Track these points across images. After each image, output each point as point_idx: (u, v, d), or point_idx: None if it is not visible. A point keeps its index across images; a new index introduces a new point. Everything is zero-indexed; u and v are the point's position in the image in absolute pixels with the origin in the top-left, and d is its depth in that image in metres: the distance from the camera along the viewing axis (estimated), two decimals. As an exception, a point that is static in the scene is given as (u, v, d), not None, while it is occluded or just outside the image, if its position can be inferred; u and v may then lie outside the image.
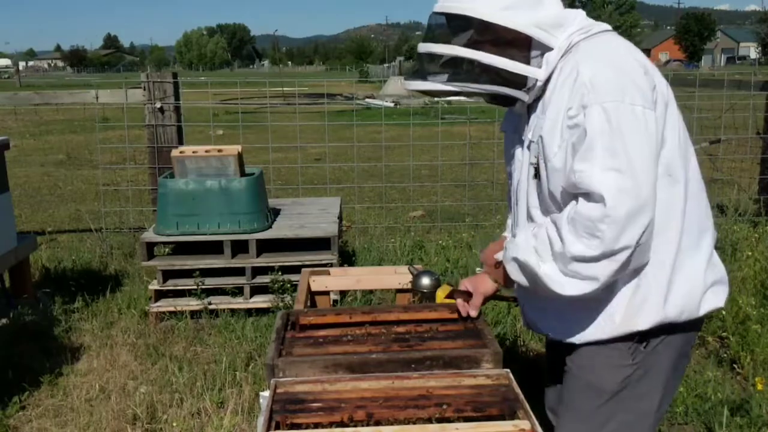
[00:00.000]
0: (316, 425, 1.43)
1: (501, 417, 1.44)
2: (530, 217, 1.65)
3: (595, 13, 65.71)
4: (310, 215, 4.64)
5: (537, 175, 1.59)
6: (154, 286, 4.15)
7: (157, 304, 4.13)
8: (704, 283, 1.60)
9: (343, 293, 4.03)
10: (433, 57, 1.58)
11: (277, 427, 1.42)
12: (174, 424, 2.90)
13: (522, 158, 1.67)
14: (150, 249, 4.18)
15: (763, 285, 3.77)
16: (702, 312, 1.61)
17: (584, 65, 1.48)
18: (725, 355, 3.47)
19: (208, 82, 9.87)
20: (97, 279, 4.74)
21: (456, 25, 1.55)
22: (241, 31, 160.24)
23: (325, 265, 3.86)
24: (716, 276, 1.65)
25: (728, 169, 6.75)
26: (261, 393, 2.41)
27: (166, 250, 4.41)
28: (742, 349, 3.35)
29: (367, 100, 21.73)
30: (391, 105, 19.12)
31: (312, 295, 2.62)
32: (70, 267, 4.96)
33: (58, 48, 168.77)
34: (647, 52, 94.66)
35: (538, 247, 1.52)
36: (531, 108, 1.62)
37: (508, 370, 1.60)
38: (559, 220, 1.48)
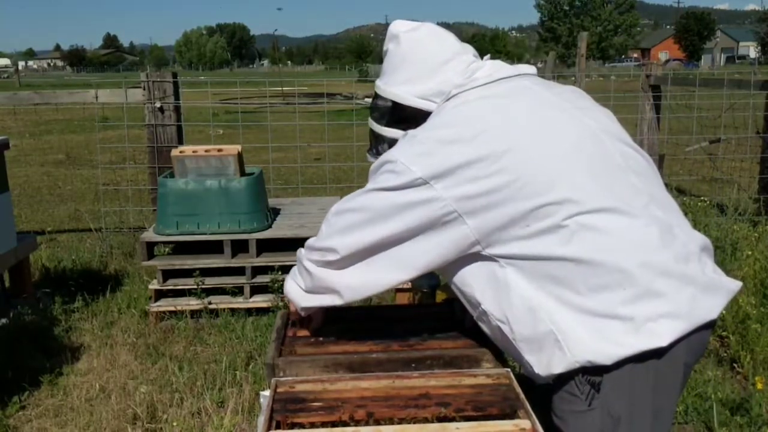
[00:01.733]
0: (317, 424, 1.43)
1: (501, 416, 1.44)
2: None
3: (594, 12, 65.68)
4: (310, 215, 4.64)
5: None
6: (154, 285, 4.15)
7: (157, 303, 4.14)
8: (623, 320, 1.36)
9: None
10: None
11: (278, 426, 1.42)
12: (174, 424, 2.90)
13: None
14: (150, 249, 4.18)
15: (763, 284, 3.77)
16: (640, 348, 1.36)
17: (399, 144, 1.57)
18: (725, 354, 3.48)
19: (207, 82, 9.87)
20: (97, 279, 4.74)
21: (378, 102, 1.76)
22: (240, 30, 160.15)
23: (325, 265, 3.86)
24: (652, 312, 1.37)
25: (728, 169, 6.76)
26: (261, 392, 2.41)
27: (166, 249, 4.41)
28: (742, 349, 3.36)
29: (366, 99, 21.71)
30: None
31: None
32: (70, 267, 4.96)
33: (57, 48, 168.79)
34: (647, 51, 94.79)
35: None
36: None
37: (509, 370, 1.60)
38: None
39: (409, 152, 1.47)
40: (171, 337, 3.87)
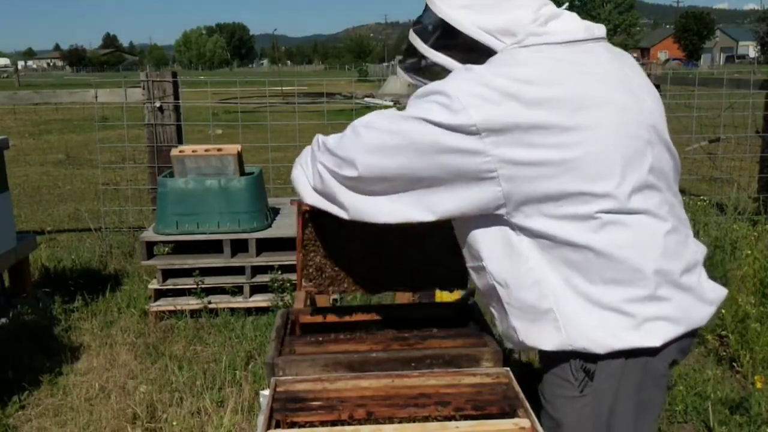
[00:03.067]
0: (317, 423, 1.43)
1: (501, 415, 1.44)
2: None
3: (594, 12, 65.62)
4: (309, 214, 4.63)
5: None
6: (154, 285, 4.15)
7: (157, 303, 4.13)
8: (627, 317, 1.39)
9: (342, 292, 4.02)
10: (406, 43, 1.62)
11: (278, 425, 1.42)
12: (174, 423, 2.90)
13: None
14: (149, 248, 4.18)
15: (762, 283, 3.77)
16: (620, 345, 1.39)
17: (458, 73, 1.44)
18: (724, 353, 3.48)
19: (207, 82, 9.86)
20: (97, 278, 4.74)
21: (426, 16, 1.53)
22: (240, 30, 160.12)
23: (324, 264, 3.86)
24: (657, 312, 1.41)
25: (727, 168, 6.76)
26: (261, 392, 2.41)
27: (166, 249, 4.41)
28: (742, 348, 3.36)
29: (366, 99, 21.75)
30: (390, 104, 19.12)
31: (312, 294, 2.62)
32: (70, 266, 4.96)
33: (57, 47, 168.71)
34: (646, 51, 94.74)
35: None
36: None
37: (508, 369, 1.60)
38: None
39: (470, 92, 1.34)
40: (171, 337, 3.87)
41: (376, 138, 1.42)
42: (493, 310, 1.56)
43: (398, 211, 1.46)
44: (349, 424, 1.41)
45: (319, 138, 1.56)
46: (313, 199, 1.57)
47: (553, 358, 1.46)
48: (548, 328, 1.42)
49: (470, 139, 1.33)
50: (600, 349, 1.39)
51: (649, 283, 1.38)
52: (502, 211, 1.41)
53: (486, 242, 1.46)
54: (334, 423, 1.42)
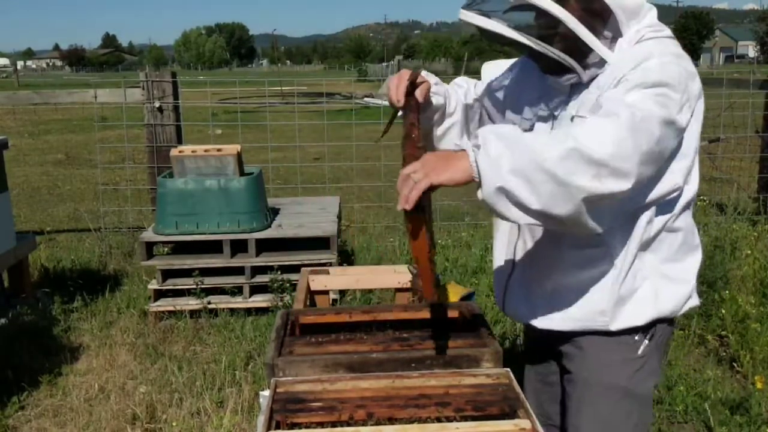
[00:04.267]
0: (317, 425, 1.42)
1: (501, 416, 1.44)
2: None
3: (593, 12, 65.40)
4: (309, 214, 4.63)
5: None
6: (154, 285, 4.15)
7: (157, 303, 4.13)
8: (692, 284, 1.67)
9: (342, 292, 4.02)
10: None
11: (278, 426, 1.42)
12: (173, 424, 2.90)
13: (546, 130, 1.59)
14: (149, 248, 4.18)
15: (762, 283, 3.77)
16: (685, 309, 1.67)
17: (654, 58, 1.43)
18: (725, 353, 3.48)
19: (206, 82, 9.86)
20: (96, 279, 4.74)
21: None
22: (239, 30, 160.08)
23: (324, 265, 3.86)
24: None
25: (727, 168, 6.76)
26: (261, 392, 2.41)
27: (166, 249, 4.41)
28: (742, 348, 3.36)
29: (365, 99, 21.72)
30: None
31: (311, 294, 2.62)
32: (69, 267, 4.95)
33: (56, 47, 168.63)
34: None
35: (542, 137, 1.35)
36: (576, 85, 1.54)
37: (509, 369, 1.60)
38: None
39: (683, 75, 1.43)
40: (170, 337, 3.87)
41: (646, 145, 1.32)
42: (573, 298, 1.61)
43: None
44: (350, 425, 1.41)
45: (578, 144, 1.26)
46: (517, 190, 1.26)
47: (614, 334, 1.61)
48: (640, 305, 1.59)
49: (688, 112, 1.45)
50: (670, 313, 1.62)
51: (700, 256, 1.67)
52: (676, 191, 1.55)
53: (618, 220, 1.52)
54: (334, 424, 1.41)
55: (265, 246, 4.22)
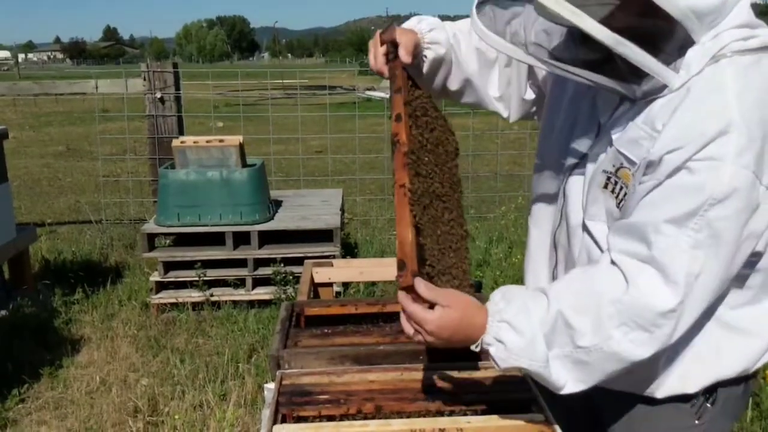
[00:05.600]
0: (324, 417, 1.39)
1: (513, 410, 1.40)
2: (586, 229, 1.30)
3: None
4: (311, 207, 4.60)
5: (608, 185, 1.23)
6: (155, 277, 4.11)
7: (159, 295, 4.10)
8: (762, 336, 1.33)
9: (345, 285, 4.00)
10: None
11: (283, 420, 1.38)
12: (176, 417, 2.87)
13: (591, 152, 1.28)
14: (151, 240, 4.14)
15: None
16: (759, 364, 1.35)
17: (726, 140, 1.06)
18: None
19: (208, 73, 9.82)
20: (98, 271, 4.71)
21: None
22: (240, 23, 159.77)
23: (327, 257, 3.82)
24: None
25: None
26: (266, 385, 2.37)
27: (167, 241, 4.38)
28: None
29: (367, 92, 21.66)
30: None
31: (315, 286, 2.58)
32: (70, 259, 4.92)
33: (57, 40, 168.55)
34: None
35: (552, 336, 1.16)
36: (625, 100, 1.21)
37: (520, 362, 1.56)
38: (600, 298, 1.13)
39: (746, 159, 1.06)
40: (172, 330, 3.84)
41: (699, 286, 1.11)
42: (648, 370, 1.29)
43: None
44: (358, 418, 1.37)
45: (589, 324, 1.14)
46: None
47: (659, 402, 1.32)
48: (694, 365, 1.28)
49: (761, 195, 1.11)
50: (737, 374, 1.30)
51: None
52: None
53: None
54: (342, 417, 1.38)
55: (268, 238, 4.18)
